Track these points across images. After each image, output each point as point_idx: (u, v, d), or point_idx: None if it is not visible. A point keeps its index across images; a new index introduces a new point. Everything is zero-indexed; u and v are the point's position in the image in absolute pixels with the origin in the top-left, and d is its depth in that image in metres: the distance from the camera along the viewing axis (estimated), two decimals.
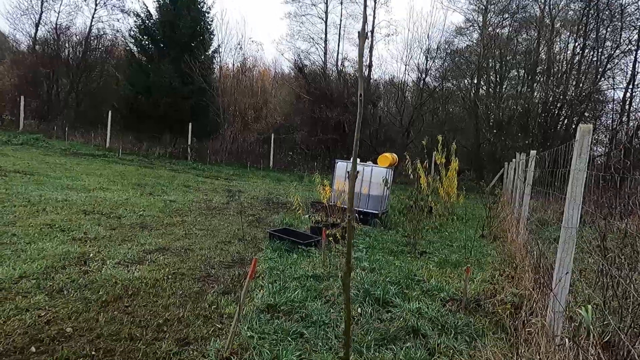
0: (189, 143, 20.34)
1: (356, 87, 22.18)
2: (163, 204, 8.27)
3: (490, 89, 24.98)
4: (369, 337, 3.23)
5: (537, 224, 6.25)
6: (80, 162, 13.94)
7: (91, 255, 4.74)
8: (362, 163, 8.88)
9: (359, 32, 2.24)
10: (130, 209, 7.41)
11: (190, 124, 20.36)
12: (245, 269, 4.87)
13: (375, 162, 9.12)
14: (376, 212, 8.42)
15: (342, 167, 8.77)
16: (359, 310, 3.78)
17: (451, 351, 3.18)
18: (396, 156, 9.33)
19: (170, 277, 4.35)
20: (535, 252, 4.37)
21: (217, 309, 3.73)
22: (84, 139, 20.81)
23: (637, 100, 21.51)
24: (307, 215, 8.01)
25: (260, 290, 4.16)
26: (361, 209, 8.24)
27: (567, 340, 2.29)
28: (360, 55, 2.22)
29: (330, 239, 5.66)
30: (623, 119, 21.08)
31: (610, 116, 22.11)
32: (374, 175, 8.52)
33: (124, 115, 21.50)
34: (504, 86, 24.79)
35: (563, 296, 2.64)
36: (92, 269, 4.31)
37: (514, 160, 13.05)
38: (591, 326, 1.73)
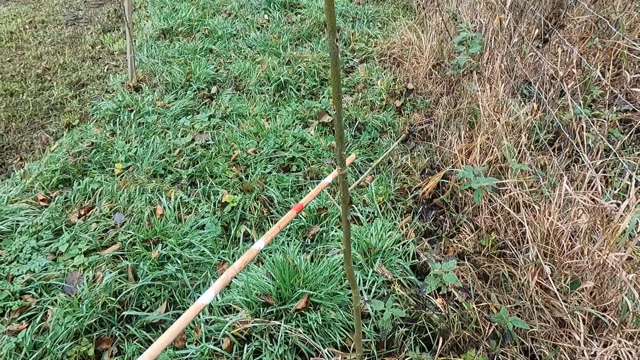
0: None
1: None
2: None
3: None
4: (285, 39, 3.03)
5: None
6: None
7: None
8: None
9: None
10: None
11: None
12: (119, 1, 4.04)
13: None
14: None
15: None
16: (266, 17, 3.44)
17: (366, 36, 3.14)
18: None
19: (27, 27, 3.50)
20: None
21: (103, 49, 3.20)
22: None
23: None
24: None
25: (147, 20, 3.56)
26: None
27: None
28: None
29: None
30: None
31: None
32: None
33: None
34: None
35: None
36: None
37: None
38: None
